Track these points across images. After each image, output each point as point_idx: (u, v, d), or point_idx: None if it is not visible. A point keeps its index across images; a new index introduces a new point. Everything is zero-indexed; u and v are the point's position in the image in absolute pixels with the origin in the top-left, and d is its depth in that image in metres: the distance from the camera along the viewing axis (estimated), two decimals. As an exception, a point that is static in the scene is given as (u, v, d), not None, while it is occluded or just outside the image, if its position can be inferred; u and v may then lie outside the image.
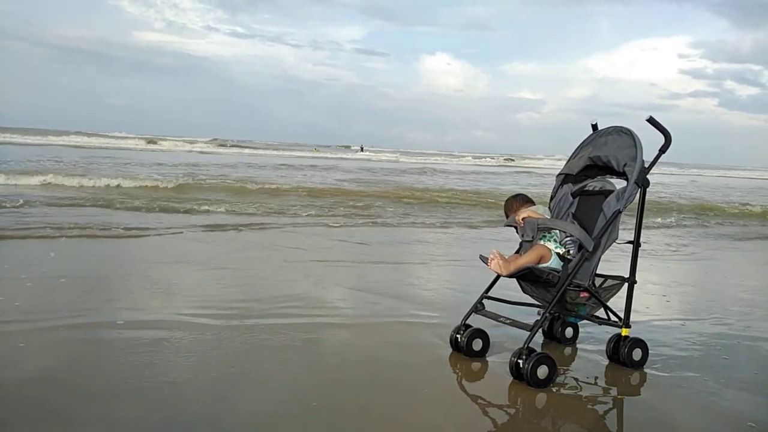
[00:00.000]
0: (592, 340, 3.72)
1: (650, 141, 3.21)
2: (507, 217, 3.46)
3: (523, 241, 3.40)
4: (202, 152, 34.07)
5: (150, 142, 40.60)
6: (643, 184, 3.16)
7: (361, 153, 50.96)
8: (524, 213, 3.34)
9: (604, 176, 3.48)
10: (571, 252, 3.22)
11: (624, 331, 3.23)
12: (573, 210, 3.51)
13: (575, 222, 3.39)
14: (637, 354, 3.25)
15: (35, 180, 11.51)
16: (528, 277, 3.21)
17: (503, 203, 3.61)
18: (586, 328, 3.79)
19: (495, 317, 3.26)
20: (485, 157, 55.77)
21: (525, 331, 2.99)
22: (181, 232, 7.11)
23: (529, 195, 3.62)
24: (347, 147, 57.72)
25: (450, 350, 3.36)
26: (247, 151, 39.01)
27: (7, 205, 8.03)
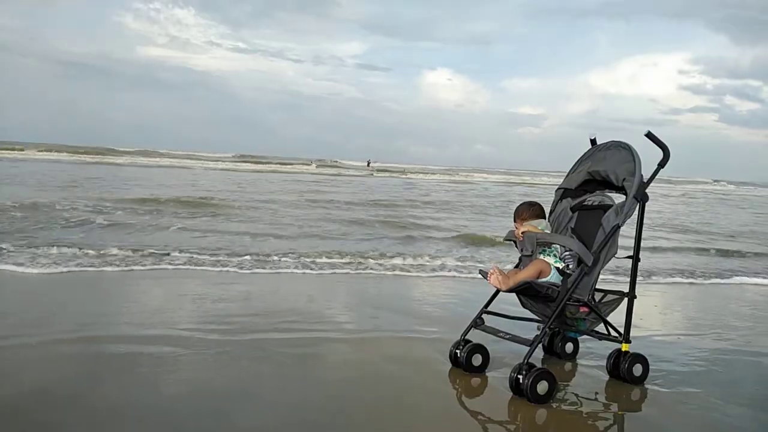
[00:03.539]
0: (592, 356, 3.70)
1: (649, 156, 3.22)
2: (515, 221, 3.44)
3: (522, 255, 3.39)
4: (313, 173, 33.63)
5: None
6: (642, 198, 3.16)
7: (368, 168, 50.94)
8: (524, 227, 3.34)
9: (602, 191, 3.48)
10: (570, 267, 3.21)
11: (624, 347, 3.21)
12: (572, 224, 3.50)
13: (574, 236, 3.39)
14: (637, 369, 3.22)
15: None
16: (527, 292, 3.20)
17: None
18: (586, 343, 3.77)
19: (494, 332, 3.24)
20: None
21: (525, 346, 2.97)
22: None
23: None
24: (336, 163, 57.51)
25: (450, 365, 3.34)
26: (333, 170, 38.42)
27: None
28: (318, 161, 54.48)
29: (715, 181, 60.10)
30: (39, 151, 36.71)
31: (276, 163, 43.48)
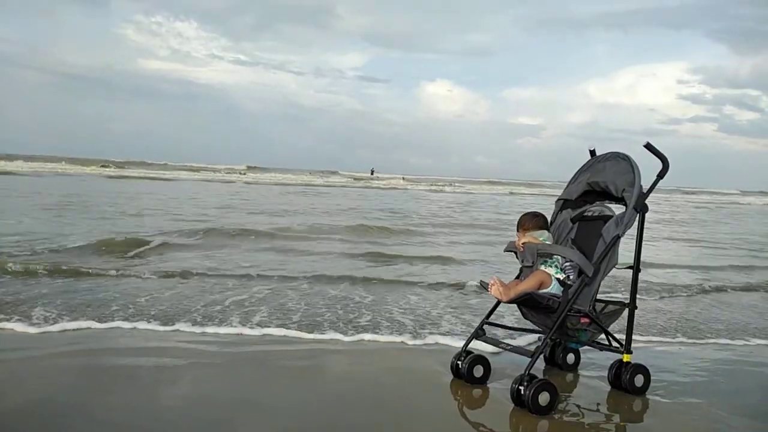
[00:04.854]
0: (593, 366, 3.70)
1: (649, 167, 3.23)
2: (517, 230, 3.45)
3: (523, 266, 3.40)
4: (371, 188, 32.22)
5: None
6: (641, 209, 3.17)
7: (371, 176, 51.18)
8: (525, 238, 3.35)
9: (602, 202, 3.49)
10: (571, 277, 3.22)
11: (625, 357, 3.21)
12: (572, 235, 3.51)
13: (575, 247, 3.39)
14: (639, 380, 3.22)
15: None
16: (528, 303, 3.20)
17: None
18: (587, 354, 3.76)
19: (496, 343, 3.24)
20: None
21: (526, 357, 2.97)
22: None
23: None
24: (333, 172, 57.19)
25: (451, 376, 3.33)
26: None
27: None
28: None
29: (742, 191, 58.02)
30: (66, 164, 36.84)
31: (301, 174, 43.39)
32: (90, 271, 5.83)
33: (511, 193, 35.46)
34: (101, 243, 7.39)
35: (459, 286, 5.97)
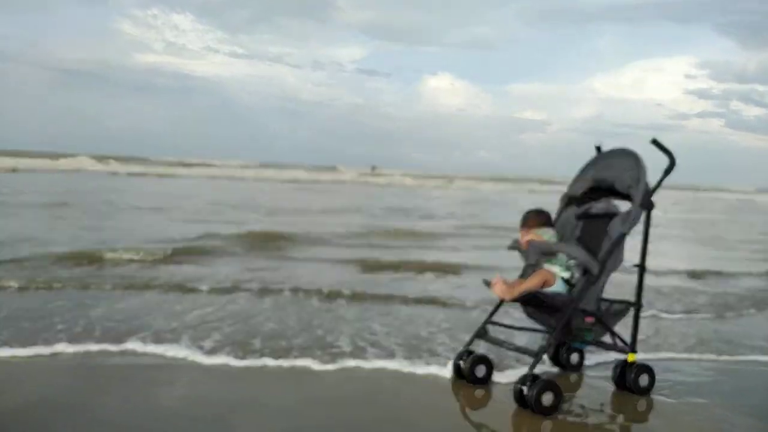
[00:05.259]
0: (598, 366, 3.66)
1: (655, 163, 3.19)
2: (521, 228, 3.40)
3: (527, 264, 3.36)
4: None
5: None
6: (647, 206, 3.12)
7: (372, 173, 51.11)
8: (529, 236, 3.31)
9: (608, 198, 3.45)
10: (575, 276, 3.18)
11: (630, 357, 3.18)
12: (577, 233, 3.47)
13: (579, 245, 3.35)
14: (643, 380, 3.18)
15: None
16: (532, 302, 3.17)
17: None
18: (591, 353, 3.72)
19: (499, 343, 3.21)
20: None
21: (529, 357, 2.94)
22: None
23: None
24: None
25: (453, 377, 3.30)
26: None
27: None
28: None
29: (758, 189, 57.12)
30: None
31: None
32: (42, 282, 5.16)
33: (530, 192, 33.12)
34: (72, 252, 6.50)
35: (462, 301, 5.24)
